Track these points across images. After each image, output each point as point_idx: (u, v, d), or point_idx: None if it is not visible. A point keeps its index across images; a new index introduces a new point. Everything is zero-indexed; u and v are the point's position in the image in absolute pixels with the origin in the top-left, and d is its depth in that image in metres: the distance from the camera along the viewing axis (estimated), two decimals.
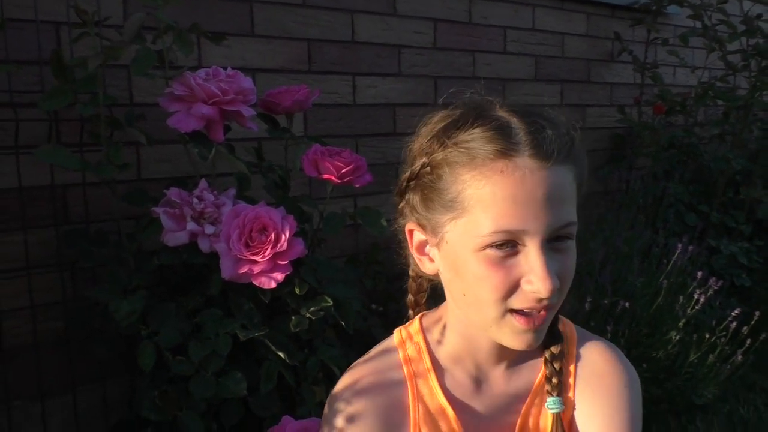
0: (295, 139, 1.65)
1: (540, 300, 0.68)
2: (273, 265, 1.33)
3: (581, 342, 0.85)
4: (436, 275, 0.80)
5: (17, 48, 1.43)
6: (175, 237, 1.36)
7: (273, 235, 1.32)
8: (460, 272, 0.72)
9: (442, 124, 0.74)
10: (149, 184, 1.62)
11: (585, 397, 0.81)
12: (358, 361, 0.84)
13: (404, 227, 0.80)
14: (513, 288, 0.69)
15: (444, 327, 0.82)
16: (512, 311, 0.70)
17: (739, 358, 2.07)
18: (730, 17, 2.81)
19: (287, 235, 1.33)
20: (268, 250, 1.31)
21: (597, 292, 1.98)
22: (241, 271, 1.32)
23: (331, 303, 1.40)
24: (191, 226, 1.36)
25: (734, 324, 2.06)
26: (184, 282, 1.51)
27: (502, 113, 0.71)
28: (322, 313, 1.40)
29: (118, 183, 1.50)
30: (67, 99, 1.32)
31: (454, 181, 0.69)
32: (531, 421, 0.81)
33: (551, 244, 0.69)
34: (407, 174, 0.76)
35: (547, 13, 2.69)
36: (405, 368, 0.80)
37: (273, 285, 1.33)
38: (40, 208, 1.49)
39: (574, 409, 0.81)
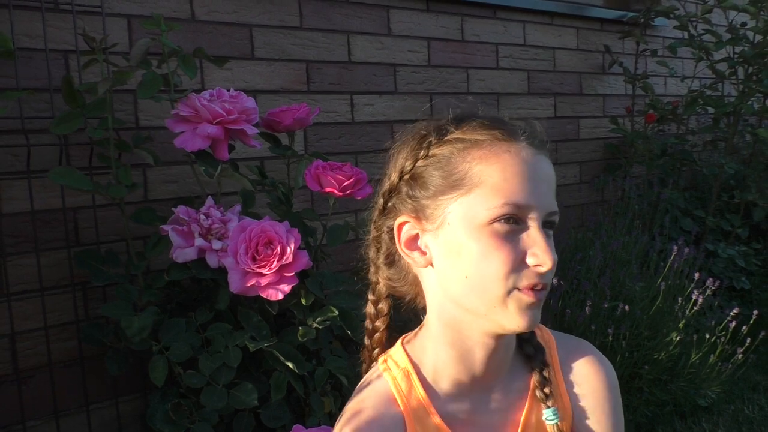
0: (297, 156, 1.70)
1: (542, 275, 0.72)
2: (280, 277, 1.37)
3: (561, 346, 0.87)
4: (412, 285, 0.83)
5: (27, 76, 1.49)
6: (183, 253, 1.41)
7: (279, 248, 1.37)
8: (463, 253, 0.73)
9: (434, 125, 0.79)
10: (156, 204, 1.66)
11: (578, 404, 0.84)
12: (350, 404, 0.82)
13: (393, 226, 0.80)
14: (519, 263, 0.71)
15: (432, 343, 0.81)
16: (517, 289, 0.72)
17: (740, 356, 2.09)
18: (716, 27, 2.88)
19: (292, 248, 1.37)
20: (275, 263, 1.36)
21: (597, 296, 2.02)
22: (249, 284, 1.36)
23: (336, 313, 1.44)
24: (199, 242, 1.40)
25: (734, 324, 2.09)
26: (193, 298, 1.55)
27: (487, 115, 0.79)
28: (328, 322, 1.44)
29: (127, 204, 1.55)
30: (78, 123, 1.37)
31: (461, 161, 0.74)
32: None
33: (543, 229, 0.74)
34: (397, 173, 0.79)
35: (538, 29, 2.76)
36: (399, 400, 0.80)
37: (280, 297, 1.37)
38: (52, 230, 1.54)
39: (572, 417, 0.83)
